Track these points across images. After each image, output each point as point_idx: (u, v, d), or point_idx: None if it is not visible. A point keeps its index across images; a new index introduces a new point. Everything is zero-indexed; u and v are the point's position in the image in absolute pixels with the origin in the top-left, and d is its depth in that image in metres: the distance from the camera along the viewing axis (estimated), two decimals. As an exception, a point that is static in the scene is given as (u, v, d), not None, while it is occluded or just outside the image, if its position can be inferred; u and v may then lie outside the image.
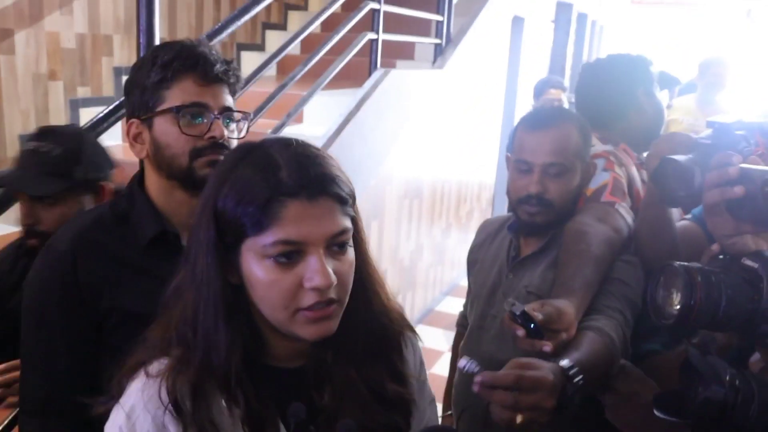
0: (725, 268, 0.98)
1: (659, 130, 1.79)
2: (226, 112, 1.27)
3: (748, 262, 0.96)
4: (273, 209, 0.81)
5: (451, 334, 2.11)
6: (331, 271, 0.83)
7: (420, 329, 4.51)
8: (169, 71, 1.24)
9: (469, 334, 1.68)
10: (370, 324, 0.95)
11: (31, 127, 3.30)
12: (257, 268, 0.84)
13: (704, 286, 0.93)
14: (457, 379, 1.70)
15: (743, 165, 1.00)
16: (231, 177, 0.84)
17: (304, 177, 0.83)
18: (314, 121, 3.02)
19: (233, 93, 1.32)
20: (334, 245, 0.85)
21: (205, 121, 1.24)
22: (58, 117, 3.51)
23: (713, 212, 1.03)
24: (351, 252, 0.88)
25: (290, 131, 2.87)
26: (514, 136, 1.58)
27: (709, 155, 1.07)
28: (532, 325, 1.12)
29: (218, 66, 1.27)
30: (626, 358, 1.31)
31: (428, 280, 4.80)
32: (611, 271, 1.40)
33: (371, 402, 0.93)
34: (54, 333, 1.21)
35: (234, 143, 1.28)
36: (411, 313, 4.49)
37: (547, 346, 1.12)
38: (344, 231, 0.86)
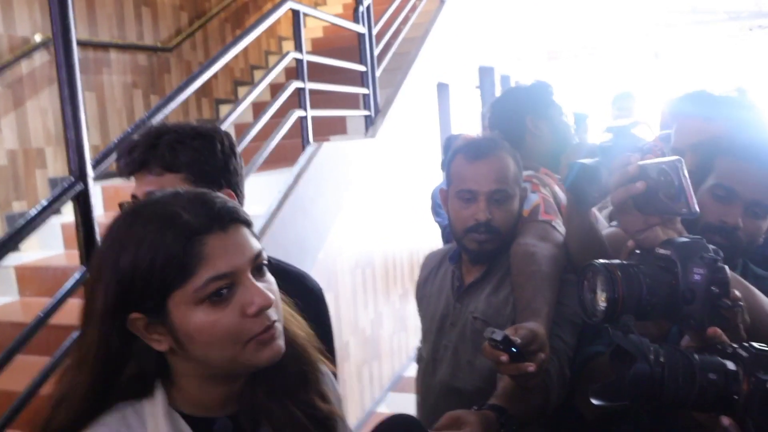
0: (642, 259, 1.03)
1: (567, 148, 1.87)
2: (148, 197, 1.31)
3: (662, 251, 1.02)
4: (194, 251, 0.81)
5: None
6: (265, 289, 0.85)
7: (391, 396, 4.44)
8: None
9: (424, 366, 1.69)
10: (292, 350, 0.94)
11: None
12: (193, 316, 0.82)
13: (624, 279, 0.98)
14: None
15: (641, 162, 1.07)
16: (129, 240, 0.82)
17: (209, 212, 0.83)
18: (253, 201, 3.06)
19: (163, 170, 1.31)
20: (256, 269, 0.86)
21: None
22: (-5, 235, 3.46)
23: (622, 211, 1.10)
24: (269, 274, 0.90)
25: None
26: (451, 169, 1.61)
27: (611, 156, 1.15)
28: (514, 350, 1.15)
29: (134, 154, 1.30)
30: (563, 384, 1.36)
31: (393, 348, 4.76)
32: None
33: (309, 427, 0.93)
34: None
35: None
36: (380, 382, 4.43)
37: (531, 367, 1.15)
38: (260, 252, 0.87)
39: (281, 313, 0.89)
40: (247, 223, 0.88)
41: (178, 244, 0.80)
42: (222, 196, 0.88)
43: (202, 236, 0.81)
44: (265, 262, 0.89)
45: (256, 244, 0.87)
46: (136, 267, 0.80)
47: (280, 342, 0.87)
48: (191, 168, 1.29)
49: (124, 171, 1.32)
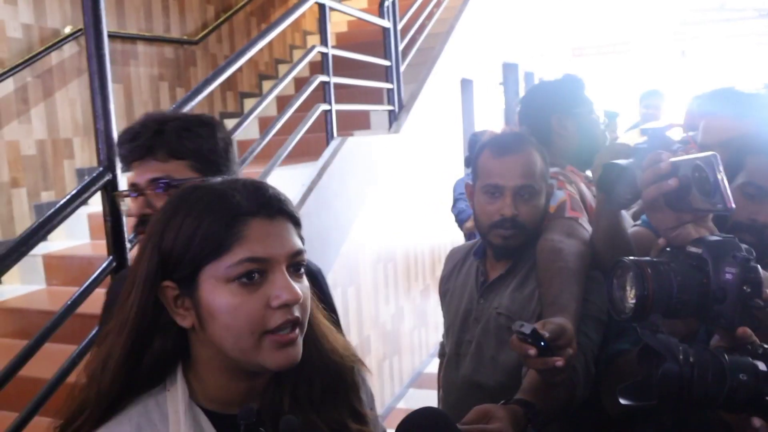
0: (673, 257, 1.02)
1: (595, 145, 1.83)
2: (151, 184, 1.30)
3: (693, 249, 1.01)
4: (236, 228, 0.82)
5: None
6: (296, 287, 0.84)
7: (411, 393, 4.44)
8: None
9: (447, 361, 1.69)
10: (323, 363, 0.93)
11: (-3, 237, 3.30)
12: (220, 294, 0.82)
13: (655, 276, 0.97)
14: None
15: (673, 159, 1.06)
16: (180, 211, 0.85)
17: (260, 198, 0.85)
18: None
19: (169, 157, 1.31)
20: (293, 266, 0.86)
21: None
22: (24, 223, 3.52)
23: (654, 208, 1.09)
24: (305, 279, 0.89)
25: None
26: (477, 164, 1.60)
27: (645, 158, 1.13)
28: (542, 344, 1.14)
29: (139, 141, 1.30)
30: (589, 381, 1.35)
31: (413, 344, 4.77)
32: None
33: None
34: None
35: None
36: (400, 377, 4.44)
37: (560, 361, 1.14)
38: (301, 251, 0.87)
39: (307, 315, 0.88)
40: (295, 221, 0.89)
41: (221, 221, 0.82)
42: (277, 188, 0.89)
43: (246, 218, 0.83)
44: (304, 263, 0.88)
45: (297, 242, 0.87)
46: (178, 235, 0.83)
47: (298, 350, 0.86)
48: (196, 155, 1.30)
49: (128, 157, 1.32)
